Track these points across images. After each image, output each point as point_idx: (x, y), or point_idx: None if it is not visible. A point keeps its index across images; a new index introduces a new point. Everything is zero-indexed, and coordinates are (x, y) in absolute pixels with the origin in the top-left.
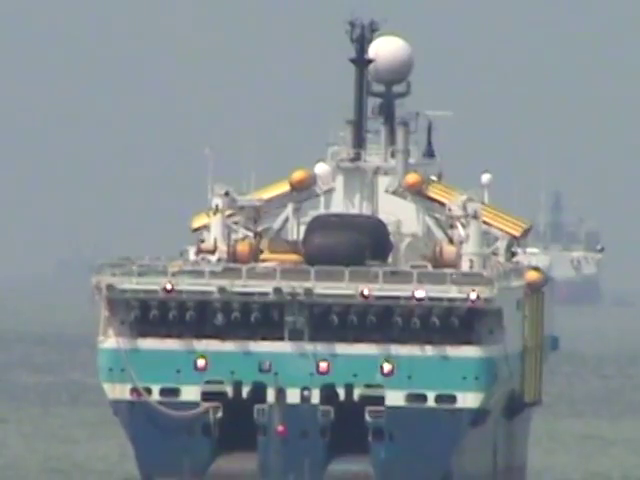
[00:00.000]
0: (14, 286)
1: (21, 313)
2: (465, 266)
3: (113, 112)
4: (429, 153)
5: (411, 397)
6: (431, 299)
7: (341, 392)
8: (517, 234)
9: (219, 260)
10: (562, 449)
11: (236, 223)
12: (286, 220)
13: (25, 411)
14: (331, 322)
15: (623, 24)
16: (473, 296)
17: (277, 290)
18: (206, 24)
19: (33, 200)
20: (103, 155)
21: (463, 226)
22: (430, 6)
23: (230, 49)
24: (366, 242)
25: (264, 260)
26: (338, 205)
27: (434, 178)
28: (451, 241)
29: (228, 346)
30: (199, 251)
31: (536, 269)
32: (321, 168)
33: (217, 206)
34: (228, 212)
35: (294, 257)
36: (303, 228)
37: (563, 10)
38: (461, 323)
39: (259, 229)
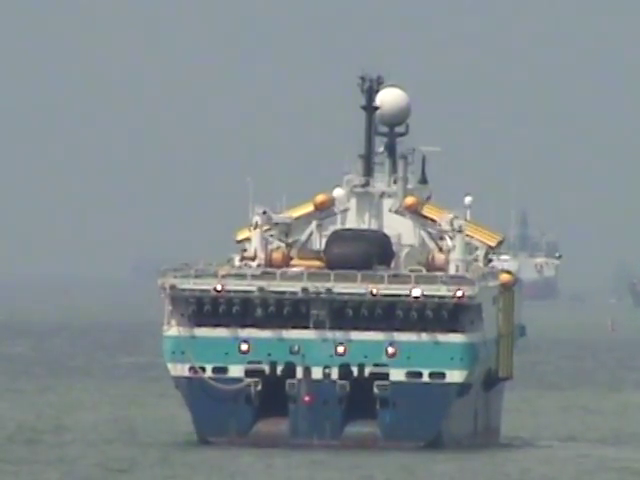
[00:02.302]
0: (98, 285)
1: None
2: (452, 270)
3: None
4: (423, 180)
5: (410, 374)
6: (425, 296)
7: (355, 370)
8: (493, 244)
9: (258, 265)
10: (530, 414)
11: (272, 236)
12: (311, 234)
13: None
14: (347, 314)
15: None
16: (459, 294)
17: (304, 289)
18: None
19: (117, 218)
20: (169, 186)
21: (450, 238)
22: (425, 63)
23: (270, 102)
24: (374, 251)
25: (294, 265)
26: (352, 222)
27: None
28: (441, 250)
29: (266, 334)
30: (242, 258)
31: (508, 272)
32: (338, 192)
33: (257, 222)
34: (265, 227)
35: (317, 263)
36: (324, 240)
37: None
38: (449, 315)
39: (290, 241)
